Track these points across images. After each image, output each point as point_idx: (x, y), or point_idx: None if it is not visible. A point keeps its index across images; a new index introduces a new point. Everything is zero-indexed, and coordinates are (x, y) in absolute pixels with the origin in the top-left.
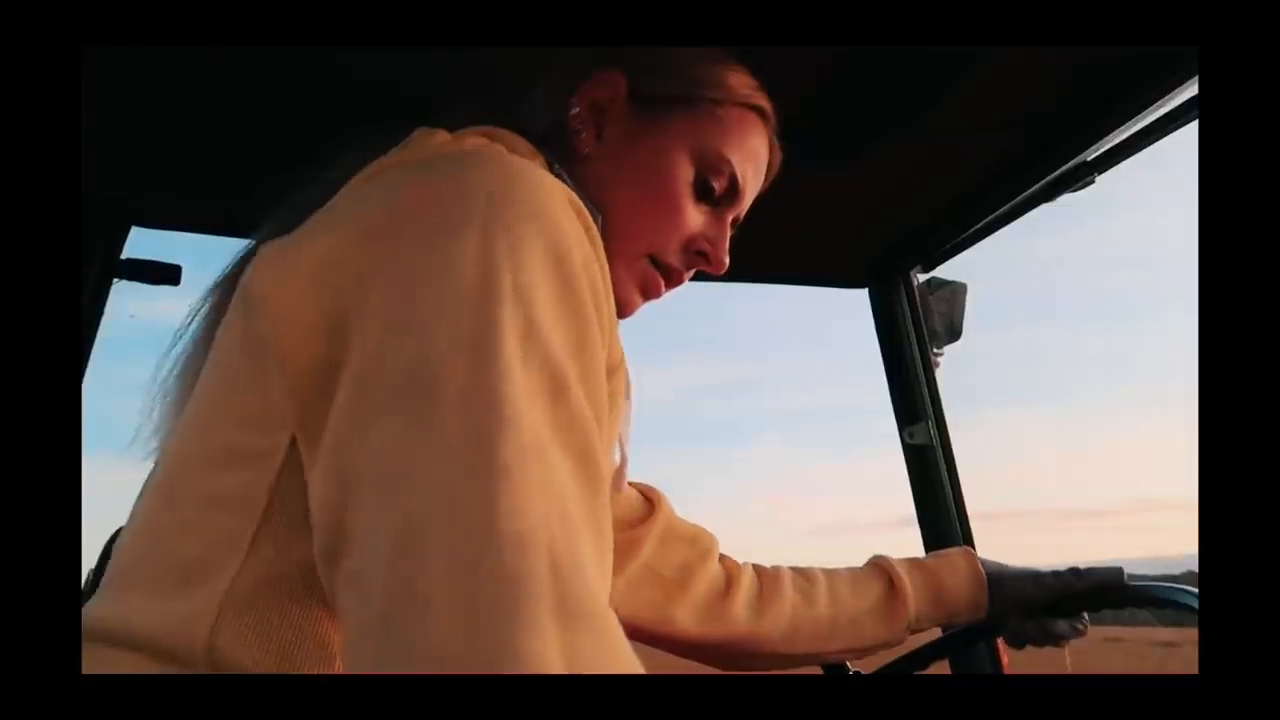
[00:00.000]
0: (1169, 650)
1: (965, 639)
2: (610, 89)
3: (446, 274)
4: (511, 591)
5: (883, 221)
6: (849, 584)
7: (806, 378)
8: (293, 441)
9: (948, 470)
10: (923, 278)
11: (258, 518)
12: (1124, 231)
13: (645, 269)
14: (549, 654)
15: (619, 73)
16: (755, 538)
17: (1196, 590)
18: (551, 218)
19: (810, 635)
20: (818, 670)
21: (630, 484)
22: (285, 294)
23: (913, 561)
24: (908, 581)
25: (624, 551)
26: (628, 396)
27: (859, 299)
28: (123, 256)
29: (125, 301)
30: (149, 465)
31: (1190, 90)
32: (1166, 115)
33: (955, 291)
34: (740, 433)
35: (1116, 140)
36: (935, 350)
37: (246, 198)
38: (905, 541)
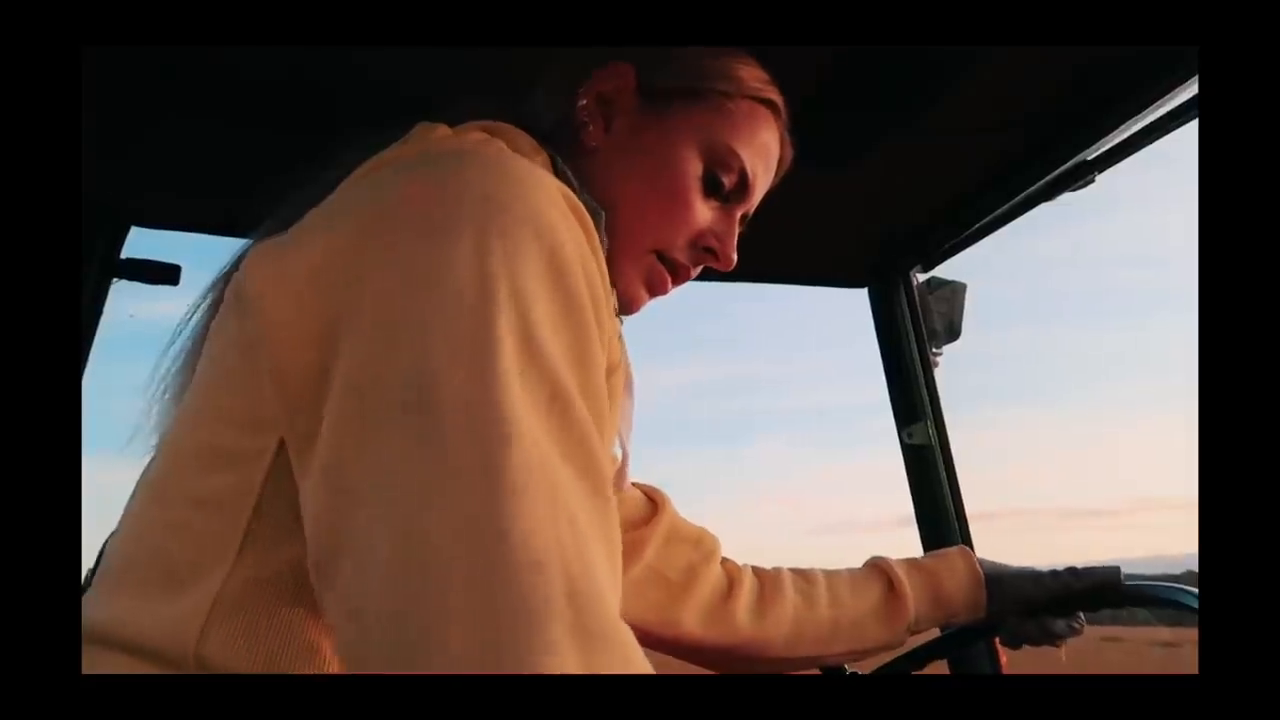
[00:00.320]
0: (1168, 650)
1: (964, 639)
2: (618, 81)
3: (442, 281)
4: (529, 615)
5: (883, 221)
6: (849, 586)
7: (807, 378)
8: (281, 444)
9: (946, 470)
10: (922, 277)
11: (246, 520)
12: (1124, 230)
13: (652, 264)
14: (568, 671)
15: (628, 65)
16: (756, 537)
17: (1195, 590)
18: (548, 221)
19: (812, 638)
20: (815, 672)
21: (633, 484)
22: (279, 295)
23: (911, 562)
24: (907, 583)
25: (628, 553)
26: (630, 394)
27: (859, 299)
28: (122, 256)
29: (125, 301)
30: (146, 463)
31: (1190, 90)
32: (1166, 115)
33: (955, 291)
34: (741, 433)
35: (1117, 140)
36: (934, 350)
37: (246, 198)
38: (905, 541)
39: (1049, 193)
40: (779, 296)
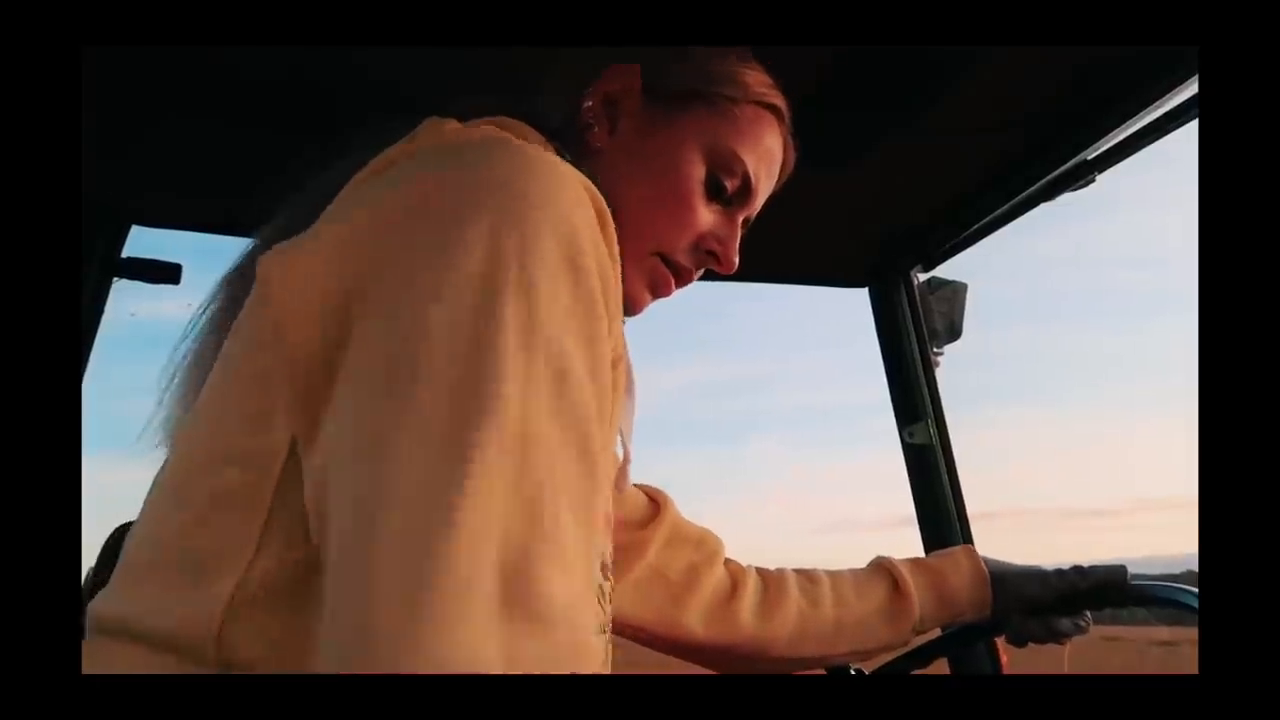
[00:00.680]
0: (1168, 649)
1: (969, 637)
2: (624, 83)
3: (453, 262)
4: (456, 582)
5: (883, 221)
6: (853, 586)
7: (807, 377)
8: (294, 443)
9: (947, 470)
10: (923, 277)
11: (263, 516)
12: (1124, 230)
13: (655, 266)
14: (486, 651)
15: (634, 67)
16: (757, 537)
17: (1188, 588)
18: (564, 209)
19: (816, 638)
20: (820, 670)
21: (636, 486)
22: (294, 276)
23: (916, 561)
24: (911, 582)
25: (630, 553)
26: (631, 396)
27: (859, 298)
28: (123, 255)
29: (125, 300)
30: (151, 462)
31: (1190, 89)
32: (1166, 114)
33: (955, 291)
34: (742, 432)
35: (1116, 139)
36: (935, 350)
37: (246, 197)
38: (906, 541)
39: (1049, 193)
40: (779, 296)
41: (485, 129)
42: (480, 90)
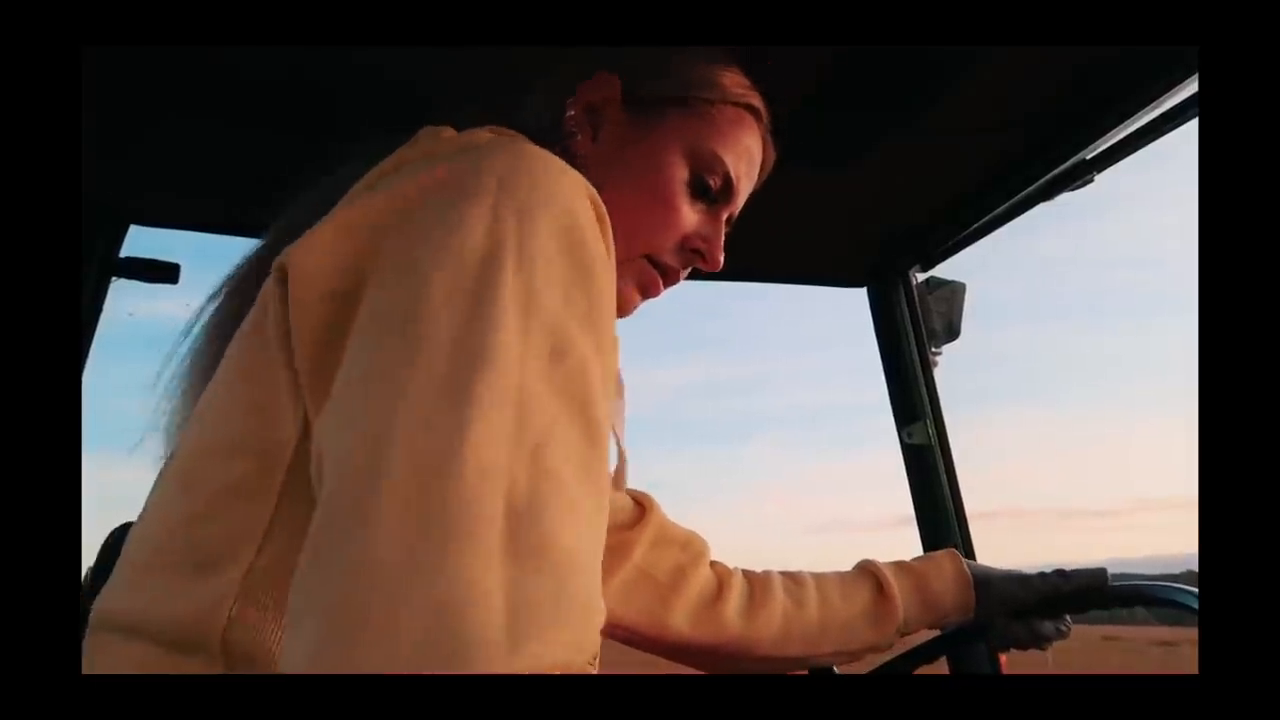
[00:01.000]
0: (1167, 649)
1: (953, 641)
2: (605, 91)
3: (454, 237)
4: (462, 516)
5: (882, 221)
6: (838, 588)
7: (806, 377)
8: (303, 430)
9: (946, 470)
10: (921, 277)
11: (272, 506)
12: (1124, 229)
13: (643, 268)
14: (488, 582)
15: (613, 75)
16: (754, 537)
17: (1188, 588)
18: (565, 199)
19: (801, 639)
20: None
21: (623, 490)
22: (310, 258)
23: (900, 565)
24: (896, 585)
25: (616, 555)
26: (621, 396)
27: (858, 298)
28: (121, 255)
29: (125, 300)
30: (151, 461)
31: (1190, 89)
32: (1166, 114)
33: (954, 291)
34: (739, 432)
35: (1116, 139)
36: (934, 350)
37: (246, 197)
38: (905, 541)
39: (1048, 192)
40: (779, 296)
41: (481, 134)
42: (478, 96)
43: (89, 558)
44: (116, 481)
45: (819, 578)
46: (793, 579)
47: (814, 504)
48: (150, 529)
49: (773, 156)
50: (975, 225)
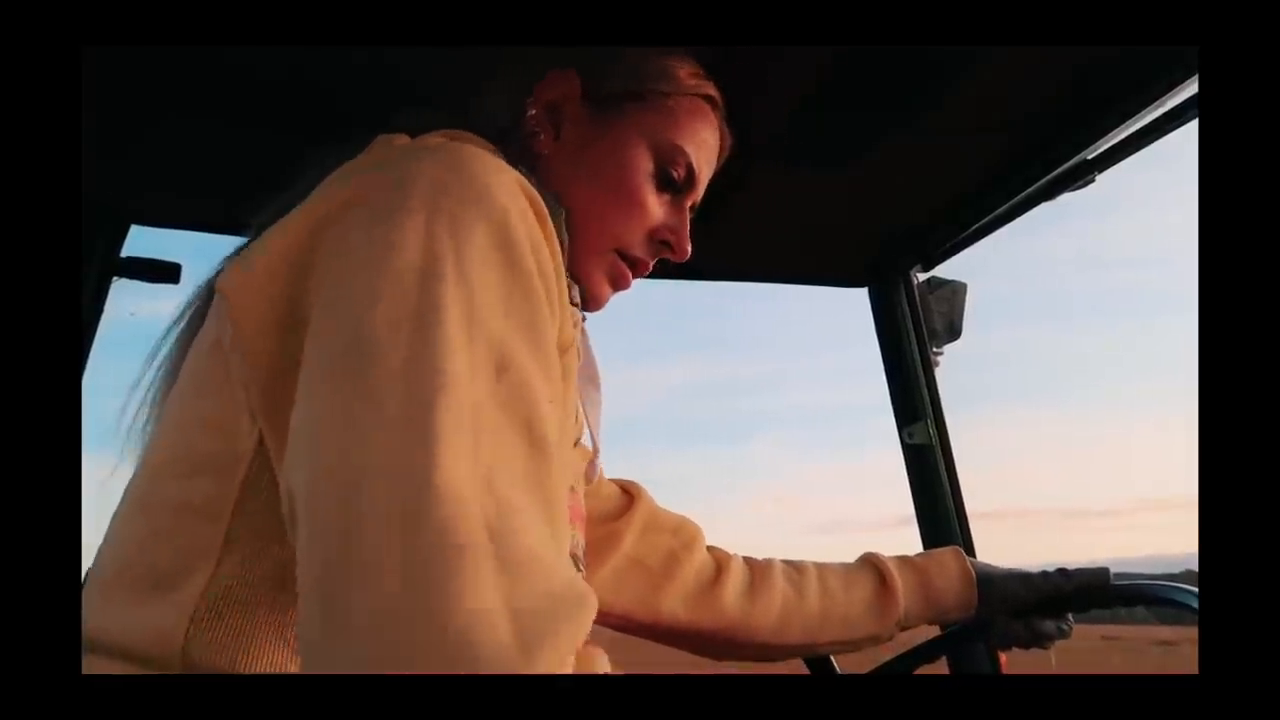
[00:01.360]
0: (1167, 649)
1: (955, 639)
2: (565, 89)
3: (389, 255)
4: (449, 547)
5: (882, 221)
6: (840, 578)
7: (806, 377)
8: (257, 446)
9: (947, 470)
10: (922, 277)
11: (226, 524)
12: (1124, 229)
13: (613, 262)
14: (490, 604)
15: (571, 72)
16: (756, 536)
17: (1188, 587)
18: (497, 200)
19: (801, 627)
20: (804, 670)
21: (610, 480)
22: (244, 291)
23: (903, 559)
24: (898, 578)
25: (605, 545)
26: (597, 389)
27: (859, 298)
28: (122, 255)
29: (125, 299)
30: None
31: (1190, 89)
32: (1166, 114)
33: (955, 291)
34: (741, 432)
35: (1116, 139)
36: (935, 350)
37: (246, 197)
38: (906, 541)
39: (1049, 192)
40: (779, 296)
41: (435, 140)
42: (432, 102)
43: (89, 558)
44: (117, 483)
45: (821, 567)
46: (794, 567)
47: (815, 504)
48: (112, 547)
49: (729, 142)
50: (976, 225)
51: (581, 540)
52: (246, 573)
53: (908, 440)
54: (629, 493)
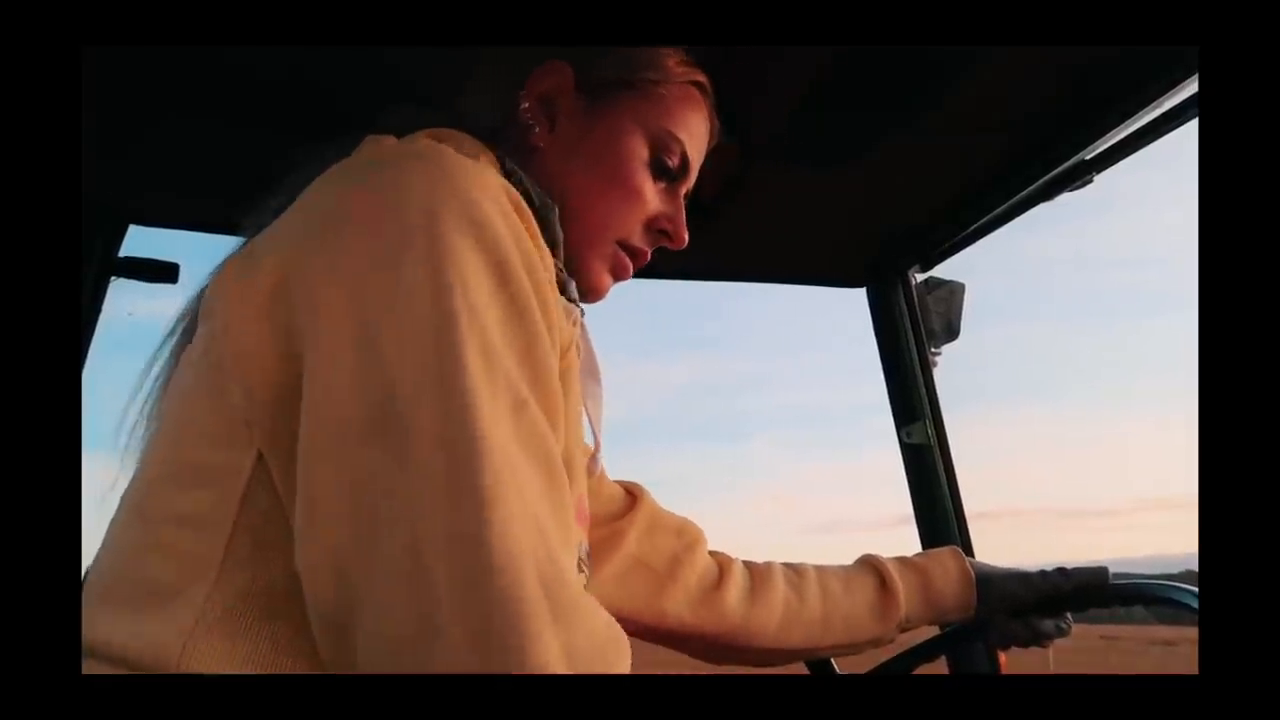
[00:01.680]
0: (1168, 649)
1: (953, 640)
2: (558, 79)
3: (398, 301)
4: (511, 611)
5: (882, 221)
6: (841, 581)
7: (806, 376)
8: (258, 459)
9: (945, 470)
10: (920, 277)
11: (225, 538)
12: (1121, 228)
13: (614, 252)
14: (552, 658)
15: (564, 63)
16: (755, 536)
17: (1187, 587)
18: (488, 222)
19: (803, 630)
20: (803, 670)
21: (613, 481)
22: (239, 318)
23: (903, 560)
24: (899, 580)
25: (608, 545)
26: (598, 382)
27: (858, 298)
28: (121, 255)
29: (124, 299)
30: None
31: (1190, 89)
32: (1166, 114)
33: (953, 291)
34: (740, 431)
35: (1115, 139)
36: (933, 350)
37: (246, 197)
38: (906, 541)
39: (1048, 192)
40: (779, 296)
41: (422, 142)
42: (422, 99)
43: (89, 558)
44: (117, 483)
45: (821, 570)
46: (794, 570)
47: (814, 503)
48: (110, 555)
49: (719, 128)
50: (975, 225)
51: (585, 541)
52: (245, 587)
53: (906, 440)
54: (631, 493)
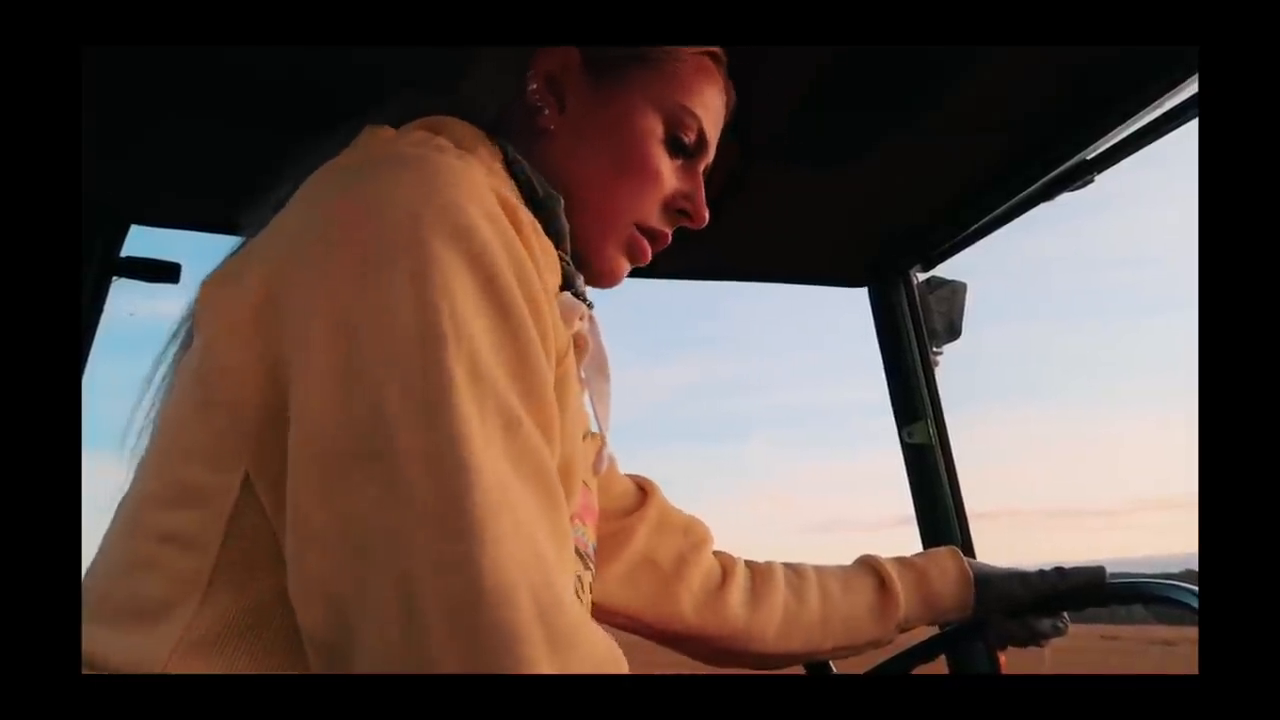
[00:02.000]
0: (1168, 649)
1: (952, 639)
2: (563, 58)
3: (384, 322)
4: (504, 641)
5: (882, 221)
6: (840, 582)
7: (805, 376)
8: (245, 479)
9: (946, 469)
10: (922, 277)
11: (213, 558)
12: (1119, 228)
13: (632, 235)
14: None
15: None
16: (754, 536)
17: (1187, 585)
18: (475, 230)
19: (803, 633)
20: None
21: (625, 475)
22: (225, 335)
23: (901, 560)
24: (898, 580)
25: (617, 540)
26: (605, 377)
27: (858, 298)
28: (121, 255)
29: (124, 300)
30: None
31: (1190, 89)
32: (1166, 114)
33: (955, 290)
34: (739, 431)
35: (1116, 139)
36: (934, 349)
37: (246, 197)
38: (905, 541)
39: (1048, 192)
40: (779, 296)
41: (417, 135)
42: (425, 85)
43: (89, 558)
44: (117, 484)
45: (820, 571)
46: (795, 571)
47: (814, 503)
48: (100, 569)
49: (734, 98)
50: (975, 225)
51: (592, 538)
52: (229, 609)
53: (907, 440)
54: (643, 489)
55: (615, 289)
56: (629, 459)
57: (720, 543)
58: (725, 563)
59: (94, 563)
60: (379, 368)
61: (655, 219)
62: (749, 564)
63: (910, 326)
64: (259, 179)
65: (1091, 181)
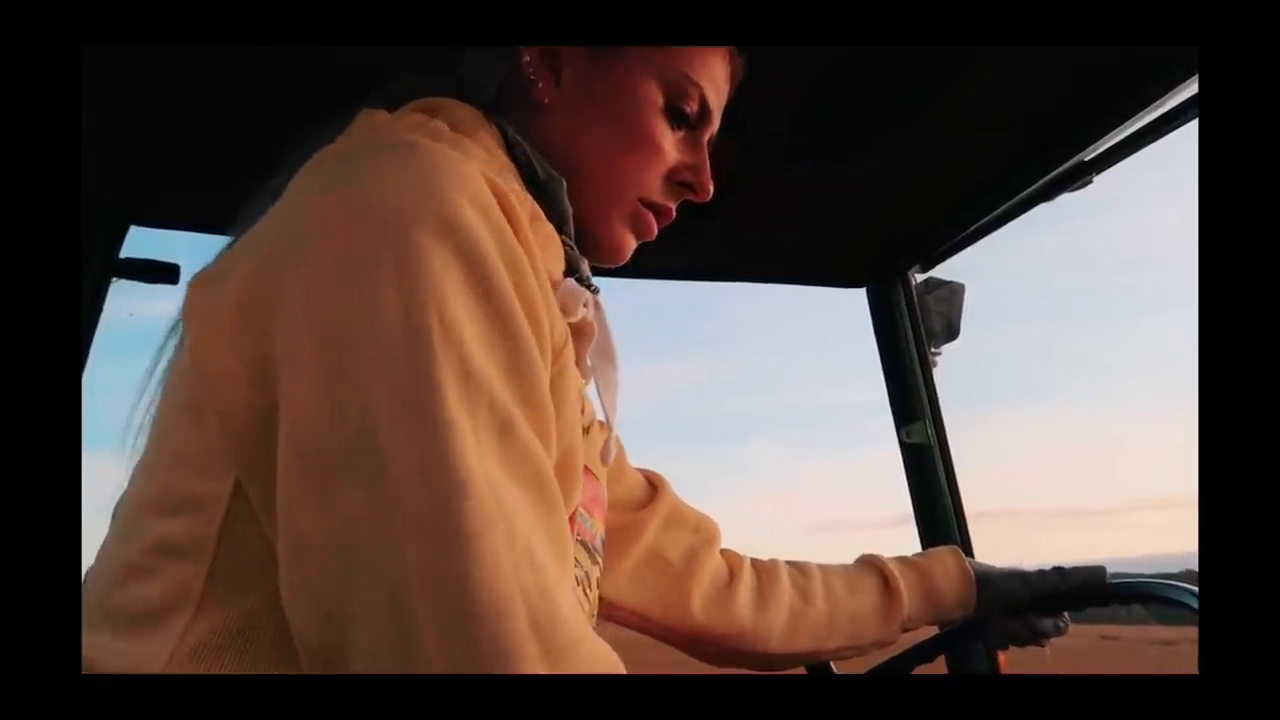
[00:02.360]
0: (1168, 649)
1: (952, 638)
2: None
3: (372, 324)
4: (497, 655)
5: (882, 221)
6: (844, 582)
7: (806, 376)
8: (236, 486)
9: (945, 469)
10: (920, 278)
11: (207, 566)
12: (1118, 228)
13: (636, 210)
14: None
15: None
16: (755, 536)
17: (1186, 585)
18: (465, 224)
19: (809, 633)
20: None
21: (635, 469)
22: (210, 336)
23: (903, 560)
24: (901, 580)
25: (627, 535)
26: (612, 364)
27: (860, 298)
28: (121, 255)
29: (124, 300)
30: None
31: (1190, 89)
32: (1165, 114)
33: (953, 291)
34: (740, 431)
35: (1115, 140)
36: (933, 350)
37: (246, 197)
38: (905, 540)
39: (1047, 193)
40: (779, 296)
41: (413, 119)
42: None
43: (89, 558)
44: (117, 484)
45: (825, 570)
46: (800, 570)
47: (814, 503)
48: (97, 575)
49: (741, 64)
50: (975, 225)
51: (600, 530)
52: (223, 617)
53: (906, 440)
54: (653, 483)
55: (615, 290)
56: (632, 458)
57: (724, 543)
58: (731, 561)
59: (92, 567)
60: (365, 371)
61: (658, 192)
62: (754, 563)
63: (909, 327)
64: (259, 179)
65: (1091, 182)
